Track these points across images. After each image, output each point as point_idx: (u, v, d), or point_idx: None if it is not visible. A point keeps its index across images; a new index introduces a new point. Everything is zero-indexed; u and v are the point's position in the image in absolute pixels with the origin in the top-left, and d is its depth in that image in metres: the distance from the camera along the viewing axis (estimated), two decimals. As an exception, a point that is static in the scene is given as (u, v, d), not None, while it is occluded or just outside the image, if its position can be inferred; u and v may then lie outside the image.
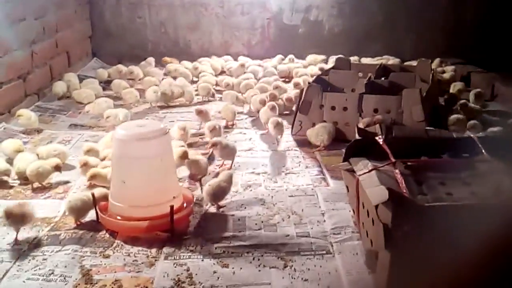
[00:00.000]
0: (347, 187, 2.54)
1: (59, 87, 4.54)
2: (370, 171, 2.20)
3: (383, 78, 4.19)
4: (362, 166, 2.29)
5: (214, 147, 3.17)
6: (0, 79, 3.80)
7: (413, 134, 2.67)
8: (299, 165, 3.26)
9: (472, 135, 2.60)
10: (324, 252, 2.32)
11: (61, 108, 4.36)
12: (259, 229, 2.51)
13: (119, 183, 2.50)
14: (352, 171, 2.36)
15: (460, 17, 5.96)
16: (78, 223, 2.54)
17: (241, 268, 2.21)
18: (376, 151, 2.40)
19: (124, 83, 4.78)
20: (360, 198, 2.29)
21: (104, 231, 2.49)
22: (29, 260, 2.26)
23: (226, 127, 3.94)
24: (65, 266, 2.20)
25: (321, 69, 5.06)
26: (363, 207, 2.25)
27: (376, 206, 1.97)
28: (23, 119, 3.69)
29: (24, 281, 2.11)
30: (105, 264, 2.24)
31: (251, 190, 2.92)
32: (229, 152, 3.21)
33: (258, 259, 2.27)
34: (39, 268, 2.20)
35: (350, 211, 2.61)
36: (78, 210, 2.52)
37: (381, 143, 2.39)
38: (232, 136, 3.78)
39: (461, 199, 2.07)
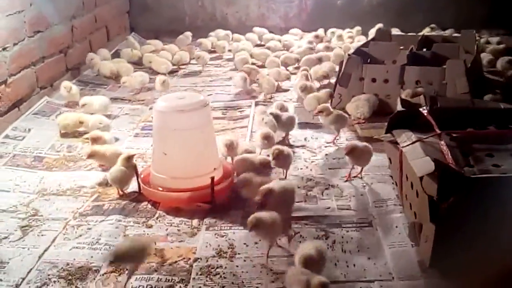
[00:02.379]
0: (389, 159, 2.50)
1: (106, 67, 4.52)
2: (414, 142, 2.16)
3: (425, 50, 4.08)
4: (406, 137, 2.24)
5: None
6: (42, 54, 3.86)
7: (458, 105, 2.60)
8: (339, 138, 3.22)
9: (520, 106, 2.51)
10: (365, 224, 2.30)
11: (101, 82, 4.40)
12: (299, 201, 2.50)
13: (161, 155, 2.52)
14: (395, 143, 2.32)
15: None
16: (121, 193, 2.58)
17: (281, 239, 2.21)
18: (420, 123, 2.35)
19: (151, 57, 4.79)
20: (404, 170, 2.25)
21: (146, 202, 2.53)
22: (75, 229, 2.31)
23: (265, 100, 3.92)
24: (109, 235, 2.25)
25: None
26: (407, 179, 2.21)
27: (421, 178, 1.93)
28: (72, 90, 3.75)
29: (70, 249, 2.17)
30: (148, 234, 2.28)
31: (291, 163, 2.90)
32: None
33: (299, 231, 2.27)
34: (85, 237, 2.25)
35: (392, 183, 2.57)
36: (120, 180, 2.56)
37: (425, 114, 2.33)
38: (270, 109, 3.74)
39: (509, 171, 2.01)
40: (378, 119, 3.33)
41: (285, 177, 2.71)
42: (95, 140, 2.97)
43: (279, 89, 4.13)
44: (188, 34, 5.59)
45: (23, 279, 1.98)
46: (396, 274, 1.97)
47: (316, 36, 5.43)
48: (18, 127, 3.33)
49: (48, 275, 2.00)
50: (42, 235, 2.27)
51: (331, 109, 3.15)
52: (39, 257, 2.11)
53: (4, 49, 3.32)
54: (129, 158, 2.58)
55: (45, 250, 2.16)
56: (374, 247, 2.14)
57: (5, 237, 2.25)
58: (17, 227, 2.32)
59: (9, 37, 3.38)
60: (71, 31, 4.38)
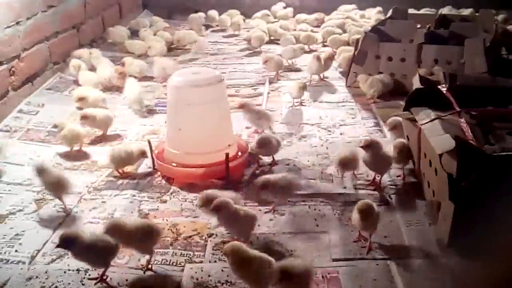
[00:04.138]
0: (407, 137, 2.46)
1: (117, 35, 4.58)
2: (433, 120, 2.12)
3: (442, 29, 4.00)
4: (424, 115, 2.21)
5: None
6: (55, 28, 3.83)
7: (478, 83, 2.55)
8: (355, 116, 3.18)
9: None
10: (382, 203, 2.27)
11: (112, 58, 4.36)
12: (314, 179, 2.48)
13: (175, 131, 2.50)
14: (413, 121, 2.28)
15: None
16: (121, 171, 2.55)
17: (296, 216, 2.20)
18: (438, 101, 2.31)
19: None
20: (422, 148, 2.21)
21: (160, 178, 2.51)
22: (89, 203, 2.31)
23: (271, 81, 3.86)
24: (124, 210, 2.24)
25: None
26: (425, 157, 2.17)
27: (441, 155, 1.90)
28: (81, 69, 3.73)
29: (84, 223, 2.16)
30: (162, 209, 2.27)
31: (305, 141, 2.88)
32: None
33: (315, 208, 2.25)
34: (99, 211, 2.24)
35: (409, 162, 2.53)
36: (119, 162, 2.52)
37: (444, 91, 2.29)
38: (286, 88, 3.70)
39: (531, 150, 1.97)
40: (394, 99, 3.30)
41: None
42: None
43: (292, 69, 4.09)
44: (202, 14, 5.50)
45: (39, 251, 1.98)
46: (413, 252, 1.94)
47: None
48: (32, 101, 3.32)
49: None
50: (57, 208, 2.27)
51: None
52: (54, 230, 2.11)
53: (17, 23, 3.29)
54: (142, 154, 2.54)
55: (60, 223, 2.16)
56: (391, 225, 2.12)
57: (20, 210, 2.25)
58: (32, 200, 2.32)
59: (22, 10, 3.36)
60: (84, 6, 4.34)
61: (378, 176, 2.41)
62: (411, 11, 5.03)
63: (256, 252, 1.75)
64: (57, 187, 2.23)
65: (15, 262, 1.93)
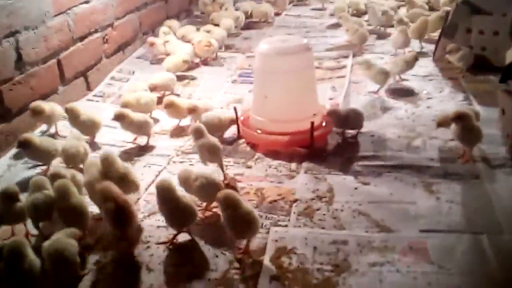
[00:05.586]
0: (502, 110, 2.36)
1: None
2: (533, 91, 2.02)
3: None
4: (523, 87, 2.11)
5: None
6: (145, -1, 3.97)
7: None
8: (442, 90, 3.08)
9: None
10: (472, 177, 2.19)
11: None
12: (400, 151, 2.44)
13: (261, 98, 2.53)
14: (510, 93, 2.18)
15: None
16: None
17: (381, 186, 2.17)
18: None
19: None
20: (519, 121, 2.12)
21: (245, 144, 2.56)
22: (178, 165, 2.39)
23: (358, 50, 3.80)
24: (211, 173, 2.29)
25: None
26: (523, 130, 2.08)
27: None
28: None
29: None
30: (247, 174, 2.31)
31: (391, 114, 2.83)
32: None
33: (401, 180, 2.21)
34: (187, 173, 2.31)
35: (502, 137, 2.43)
36: (211, 126, 2.54)
37: (546, 63, 2.17)
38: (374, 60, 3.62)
39: None
40: (485, 74, 3.17)
41: None
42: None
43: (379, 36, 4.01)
44: None
45: (131, 207, 2.07)
46: (507, 227, 1.87)
47: None
48: (123, 69, 3.46)
49: (155, 206, 2.07)
50: (148, 167, 2.38)
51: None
52: (146, 189, 2.21)
53: (111, -8, 3.43)
54: (232, 121, 2.62)
55: (151, 183, 2.25)
56: (482, 200, 2.05)
57: (115, 169, 2.36)
58: (125, 160, 2.43)
59: (115, -20, 3.50)
60: (172, -21, 4.45)
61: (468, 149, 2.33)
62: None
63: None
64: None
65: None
